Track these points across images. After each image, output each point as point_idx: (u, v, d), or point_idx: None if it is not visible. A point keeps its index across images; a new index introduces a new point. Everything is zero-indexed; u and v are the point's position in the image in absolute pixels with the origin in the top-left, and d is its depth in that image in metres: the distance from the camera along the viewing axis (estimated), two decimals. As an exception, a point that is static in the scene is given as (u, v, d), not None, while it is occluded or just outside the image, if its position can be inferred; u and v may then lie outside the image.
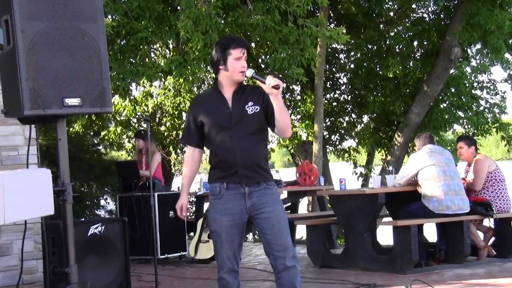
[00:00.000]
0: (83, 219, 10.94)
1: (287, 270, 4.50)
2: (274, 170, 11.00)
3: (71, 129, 15.00)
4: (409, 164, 8.18)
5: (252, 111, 4.53)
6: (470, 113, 14.16)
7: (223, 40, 4.80)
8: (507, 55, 13.67)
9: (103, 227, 6.60)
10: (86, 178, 14.55)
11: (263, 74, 14.46)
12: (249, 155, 4.53)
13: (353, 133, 15.90)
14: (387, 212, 9.27)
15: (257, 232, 15.67)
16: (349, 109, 15.98)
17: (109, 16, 10.00)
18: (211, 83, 16.09)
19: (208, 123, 4.56)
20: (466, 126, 14.34)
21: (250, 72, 4.51)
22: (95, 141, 16.38)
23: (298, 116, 15.96)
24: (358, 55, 15.42)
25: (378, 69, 14.73)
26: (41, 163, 8.88)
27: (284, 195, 10.98)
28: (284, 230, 4.54)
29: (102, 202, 15.62)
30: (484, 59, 13.66)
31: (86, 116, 13.78)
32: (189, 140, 4.69)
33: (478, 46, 14.04)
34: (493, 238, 8.65)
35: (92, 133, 16.29)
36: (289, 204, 10.90)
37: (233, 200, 4.54)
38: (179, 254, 9.66)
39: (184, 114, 16.51)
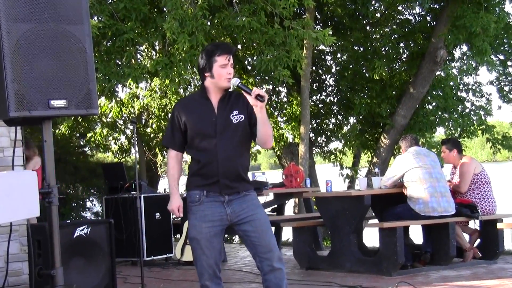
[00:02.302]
0: (69, 221, 10.90)
1: (273, 272, 4.49)
2: (261, 172, 10.99)
3: (57, 130, 14.96)
4: (395, 166, 8.21)
5: (237, 120, 4.52)
6: (456, 115, 14.21)
7: (208, 47, 4.75)
8: (492, 57, 13.74)
9: (89, 229, 6.58)
10: (72, 180, 14.53)
11: (250, 75, 14.49)
12: (232, 165, 4.52)
13: (339, 135, 15.92)
14: (373, 214, 9.29)
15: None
16: (335, 111, 16.01)
17: (95, 18, 9.98)
18: (198, 84, 16.09)
19: (193, 129, 4.54)
20: (451, 128, 14.39)
21: (236, 81, 4.50)
22: (81, 143, 16.35)
23: (284, 118, 15.98)
24: (344, 57, 15.46)
25: (364, 71, 14.76)
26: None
27: (270, 197, 10.98)
28: (268, 231, 4.54)
29: (88, 204, 15.60)
30: (470, 61, 13.72)
31: (72, 118, 13.73)
32: (173, 143, 4.66)
33: (464, 48, 14.12)
34: (478, 240, 8.69)
35: (78, 134, 16.25)
36: (275, 206, 10.90)
37: (213, 207, 4.52)
38: (165, 256, 9.64)
39: (170, 116, 16.50)
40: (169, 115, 16.08)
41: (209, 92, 4.57)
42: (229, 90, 4.60)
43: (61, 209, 12.89)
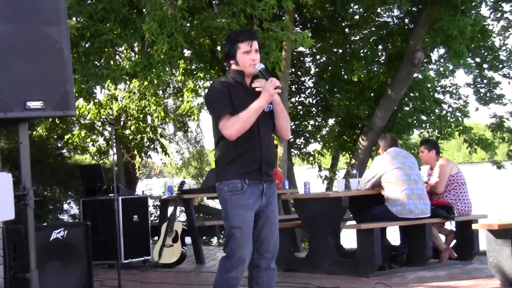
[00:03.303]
0: (46, 223, 10.84)
1: (267, 271, 4.56)
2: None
3: (34, 132, 14.86)
4: (374, 167, 8.24)
5: (268, 108, 4.53)
6: (433, 117, 14.30)
7: (231, 34, 4.75)
8: (469, 59, 13.85)
9: (65, 232, 6.53)
10: (50, 182, 14.43)
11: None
12: (270, 153, 4.56)
13: (318, 137, 15.96)
14: (351, 215, 9.32)
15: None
16: (314, 112, 16.05)
17: (74, 18, 9.93)
18: (176, 86, 16.08)
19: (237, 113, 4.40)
20: (429, 130, 14.47)
21: (259, 66, 4.50)
22: (59, 145, 16.25)
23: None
24: (323, 58, 15.50)
25: (343, 73, 14.81)
26: (3, 167, 8.77)
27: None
28: (277, 231, 4.60)
29: (66, 206, 15.51)
30: (447, 64, 13.81)
31: (50, 119, 13.66)
32: (231, 109, 4.41)
33: (441, 50, 14.22)
34: (454, 241, 8.75)
35: (55, 136, 16.15)
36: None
37: (253, 196, 4.48)
38: (143, 258, 9.59)
39: (149, 118, 16.45)
40: (148, 116, 16.09)
41: (241, 78, 4.54)
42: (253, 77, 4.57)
43: (38, 211, 12.81)
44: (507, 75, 14.58)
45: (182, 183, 9.88)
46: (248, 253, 4.46)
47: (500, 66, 14.36)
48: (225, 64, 4.71)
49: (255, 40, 4.55)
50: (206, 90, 4.69)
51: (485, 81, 14.73)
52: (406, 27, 14.32)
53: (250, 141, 4.44)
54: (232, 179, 4.45)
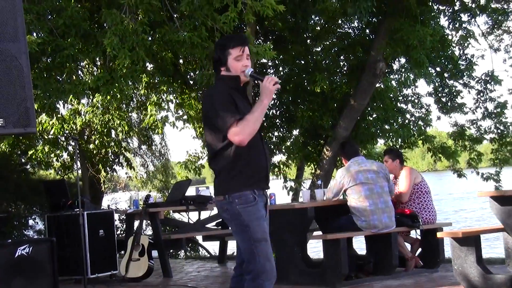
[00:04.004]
0: (10, 240, 10.72)
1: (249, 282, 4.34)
2: (204, 187, 10.99)
3: (-3, 148, 14.72)
4: (337, 180, 8.27)
5: None
6: (396, 126, 14.42)
7: (220, 40, 4.61)
8: (431, 69, 14.00)
9: (31, 248, 6.50)
10: (13, 198, 14.28)
11: (192, 89, 14.48)
12: (269, 159, 4.45)
13: (282, 148, 15.99)
14: (317, 226, 9.36)
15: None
16: (278, 124, 16.08)
17: (34, 34, 9.86)
18: (140, 99, 16.02)
19: None
20: (392, 139, 14.58)
21: (248, 71, 4.38)
22: (23, 160, 16.09)
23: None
24: (286, 70, 15.55)
25: (305, 84, 14.87)
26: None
27: (214, 211, 10.98)
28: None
29: (31, 222, 15.34)
30: (408, 73, 13.95)
31: (13, 135, 13.52)
32: (239, 114, 4.24)
33: (402, 60, 14.35)
34: (419, 249, 8.83)
35: (19, 152, 15.99)
36: (220, 220, 10.90)
37: (263, 208, 4.37)
38: (109, 273, 9.54)
39: (113, 132, 16.37)
40: (112, 131, 16.00)
41: (235, 84, 4.41)
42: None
43: (2, 228, 12.67)
44: (468, 84, 14.77)
45: (148, 196, 9.86)
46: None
47: (460, 75, 14.54)
48: (214, 70, 4.51)
49: (246, 45, 4.41)
50: (205, 99, 4.44)
51: (446, 90, 14.89)
52: (367, 37, 14.42)
53: (256, 148, 4.32)
54: (243, 190, 4.26)
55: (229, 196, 4.28)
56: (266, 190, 4.43)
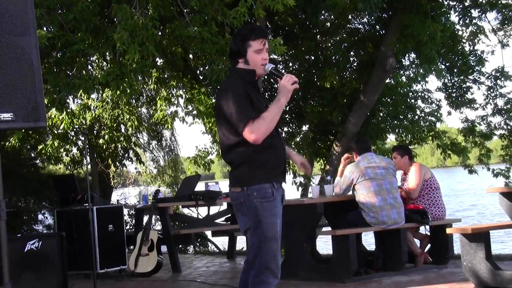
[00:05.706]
0: (20, 234, 10.76)
1: (253, 278, 4.29)
2: (214, 182, 10.98)
3: (7, 143, 14.75)
4: (346, 176, 8.25)
5: None
6: (406, 122, 14.39)
7: (242, 30, 4.47)
8: (441, 65, 13.96)
9: (40, 243, 6.51)
10: (23, 192, 14.33)
11: (202, 85, 14.48)
12: (286, 154, 4.41)
13: (292, 144, 15.98)
14: (326, 221, 9.35)
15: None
16: (287, 119, 16.07)
17: (44, 28, 9.87)
18: (149, 94, 16.03)
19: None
20: (402, 135, 14.55)
21: (269, 66, 4.27)
22: (32, 155, 16.14)
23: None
24: (296, 65, 15.54)
25: (315, 79, 14.86)
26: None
27: (224, 206, 10.99)
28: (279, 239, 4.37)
29: (40, 216, 15.39)
30: (419, 69, 13.90)
31: (22, 130, 13.56)
32: (254, 114, 4.15)
33: (412, 56, 14.31)
34: (428, 245, 8.81)
35: (29, 146, 16.03)
36: (229, 215, 10.91)
37: (280, 203, 4.33)
38: (119, 268, 9.55)
39: (122, 127, 16.39)
40: (121, 126, 16.02)
41: (251, 78, 4.32)
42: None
43: (12, 222, 12.71)
44: (478, 79, 14.72)
45: (157, 191, 9.87)
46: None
47: (470, 71, 14.49)
48: (230, 60, 4.37)
49: (267, 38, 4.30)
50: (221, 92, 4.32)
51: (456, 85, 14.85)
52: (377, 33, 14.39)
53: (274, 143, 4.26)
54: (263, 183, 4.20)
55: (247, 188, 4.22)
56: (282, 184, 4.38)
